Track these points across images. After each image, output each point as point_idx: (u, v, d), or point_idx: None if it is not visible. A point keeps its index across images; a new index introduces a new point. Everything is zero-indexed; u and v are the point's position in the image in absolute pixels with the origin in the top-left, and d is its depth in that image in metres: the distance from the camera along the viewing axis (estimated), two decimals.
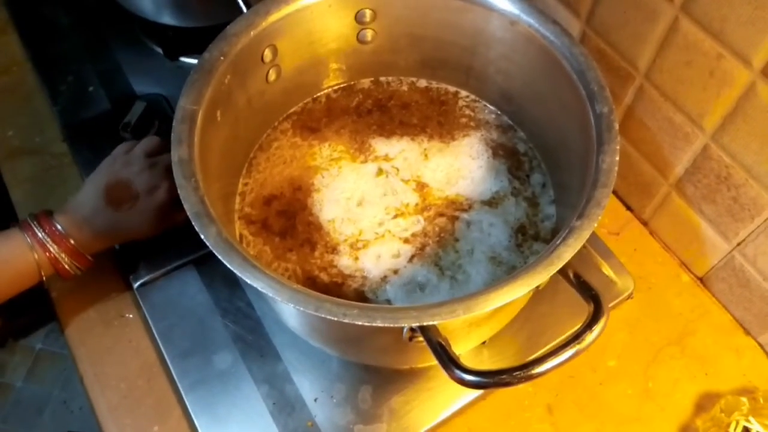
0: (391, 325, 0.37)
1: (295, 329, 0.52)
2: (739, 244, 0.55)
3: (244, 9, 0.53)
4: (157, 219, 0.54)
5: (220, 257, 0.38)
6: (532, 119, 0.57)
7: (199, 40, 0.52)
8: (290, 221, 0.54)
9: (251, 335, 0.55)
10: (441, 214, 0.54)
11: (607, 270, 0.59)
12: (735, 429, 0.51)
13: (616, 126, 0.44)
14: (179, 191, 0.41)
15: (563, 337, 0.57)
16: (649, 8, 0.51)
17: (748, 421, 0.51)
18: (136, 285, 0.58)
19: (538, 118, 0.56)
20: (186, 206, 0.41)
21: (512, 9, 0.51)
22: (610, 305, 0.59)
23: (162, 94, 0.70)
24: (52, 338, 1.34)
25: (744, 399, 0.53)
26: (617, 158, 0.43)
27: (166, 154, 0.57)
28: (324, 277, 0.51)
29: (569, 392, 0.55)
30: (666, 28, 0.51)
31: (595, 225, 0.40)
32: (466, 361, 0.37)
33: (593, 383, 0.56)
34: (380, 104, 0.61)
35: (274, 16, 0.51)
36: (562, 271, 0.39)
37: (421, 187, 0.56)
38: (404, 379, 0.54)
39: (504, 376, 0.36)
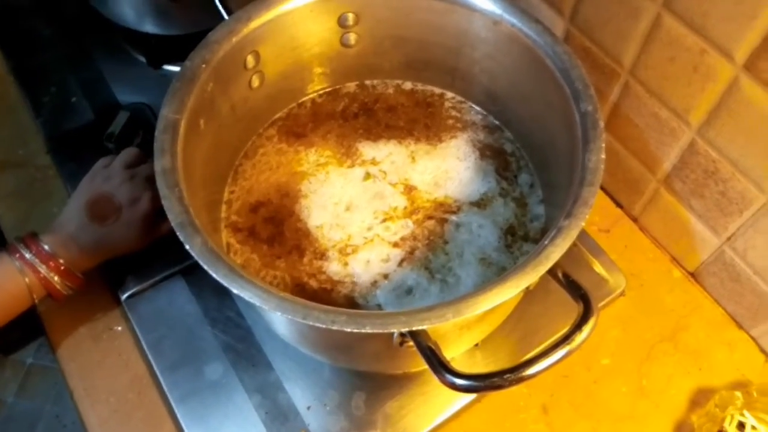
0: (381, 331, 0.36)
1: (286, 337, 0.52)
2: (728, 239, 0.55)
3: (226, 16, 0.52)
4: (142, 230, 0.54)
5: (205, 267, 0.38)
6: (518, 119, 0.57)
7: (181, 47, 0.52)
8: (278, 228, 0.53)
9: (242, 344, 0.55)
10: (430, 217, 0.54)
11: (598, 268, 0.59)
12: (730, 423, 0.51)
13: (601, 124, 0.44)
14: (163, 202, 0.41)
15: (556, 336, 0.56)
16: (632, 5, 0.51)
17: (742, 415, 0.51)
18: (123, 297, 0.57)
19: (524, 118, 0.56)
20: (170, 216, 0.40)
21: (495, 9, 0.51)
22: (603, 303, 0.58)
23: (146, 102, 0.69)
24: (43, 352, 1.32)
25: (738, 393, 0.53)
26: (603, 156, 0.43)
27: (145, 164, 0.57)
28: (313, 283, 0.51)
29: (564, 392, 0.55)
30: (649, 25, 0.51)
31: (583, 224, 0.40)
32: (460, 364, 0.37)
33: (588, 382, 0.56)
34: (366, 108, 0.61)
35: (256, 23, 0.51)
36: (551, 272, 0.39)
37: (409, 190, 0.55)
38: (398, 384, 0.53)
39: (495, 379, 0.35)
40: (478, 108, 0.60)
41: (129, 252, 0.55)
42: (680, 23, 0.48)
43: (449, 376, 0.36)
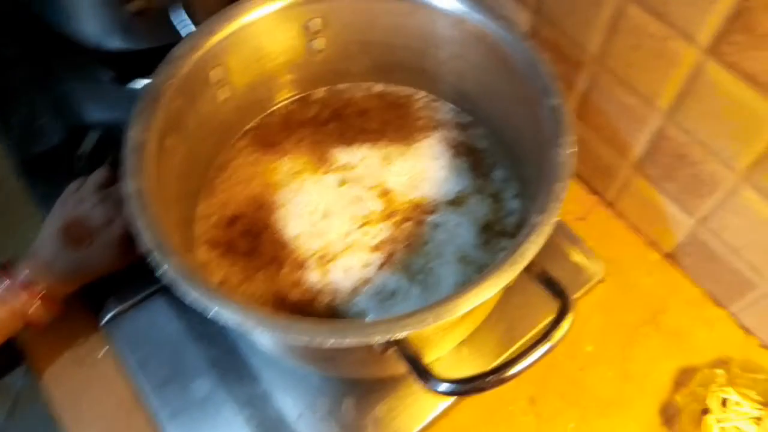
0: (362, 341, 0.36)
1: (271, 352, 0.52)
2: (702, 219, 0.56)
3: (191, 29, 0.52)
4: (119, 251, 0.53)
5: (178, 294, 0.38)
6: (489, 116, 0.57)
7: (149, 61, 0.51)
8: (255, 241, 0.53)
9: (228, 358, 0.55)
10: (407, 219, 0.54)
11: (576, 256, 0.60)
12: (713, 401, 0.52)
13: (569, 118, 0.44)
14: (133, 226, 0.40)
15: (541, 326, 0.57)
16: None
17: (725, 391, 0.52)
18: (105, 320, 0.57)
19: (494, 115, 0.56)
20: (141, 241, 0.40)
21: (459, 7, 0.51)
22: (582, 291, 0.59)
23: (116, 120, 0.68)
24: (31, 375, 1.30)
25: (720, 371, 0.54)
26: (573, 150, 0.43)
27: (118, 184, 0.57)
28: (294, 294, 0.50)
29: (550, 382, 0.56)
30: (612, 13, 0.51)
31: (555, 219, 0.40)
32: (447, 361, 0.37)
33: (573, 370, 0.56)
34: (337, 113, 0.60)
35: (219, 36, 0.50)
36: (527, 269, 0.39)
37: (385, 193, 0.55)
38: (387, 387, 0.54)
39: (477, 382, 0.36)
40: (448, 107, 0.60)
41: (107, 274, 0.55)
42: (643, 10, 0.48)
43: (431, 382, 0.36)
